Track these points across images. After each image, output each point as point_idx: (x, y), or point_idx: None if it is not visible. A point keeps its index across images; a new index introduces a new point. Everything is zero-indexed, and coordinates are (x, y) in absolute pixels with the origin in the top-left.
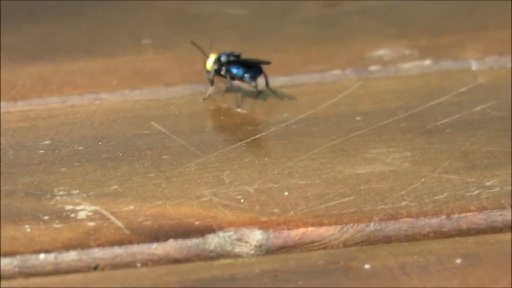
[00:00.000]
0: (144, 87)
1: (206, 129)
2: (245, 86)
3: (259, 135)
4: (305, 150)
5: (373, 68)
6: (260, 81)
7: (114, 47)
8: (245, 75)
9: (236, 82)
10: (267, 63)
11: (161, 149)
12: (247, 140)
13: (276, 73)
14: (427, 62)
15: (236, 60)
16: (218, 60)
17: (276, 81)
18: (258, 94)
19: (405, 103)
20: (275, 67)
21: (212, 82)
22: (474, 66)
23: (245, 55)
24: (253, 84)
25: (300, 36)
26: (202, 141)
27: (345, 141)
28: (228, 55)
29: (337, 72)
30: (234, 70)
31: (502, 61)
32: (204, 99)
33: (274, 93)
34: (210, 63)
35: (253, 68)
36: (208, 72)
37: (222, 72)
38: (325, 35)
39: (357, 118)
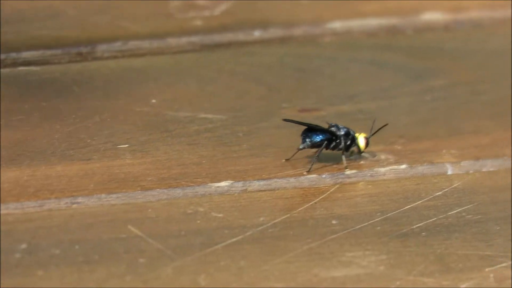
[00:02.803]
0: (121, 191)
1: (183, 233)
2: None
3: (235, 239)
4: (281, 253)
5: (349, 172)
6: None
7: (91, 152)
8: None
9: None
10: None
11: (137, 252)
12: (223, 244)
13: (252, 177)
14: (403, 166)
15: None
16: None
17: (253, 185)
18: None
19: (381, 206)
20: (251, 171)
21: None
22: (450, 170)
23: (222, 159)
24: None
25: (277, 141)
26: (178, 244)
27: (321, 245)
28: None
29: (313, 176)
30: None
31: (477, 165)
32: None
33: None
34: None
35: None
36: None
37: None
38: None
39: (333, 222)
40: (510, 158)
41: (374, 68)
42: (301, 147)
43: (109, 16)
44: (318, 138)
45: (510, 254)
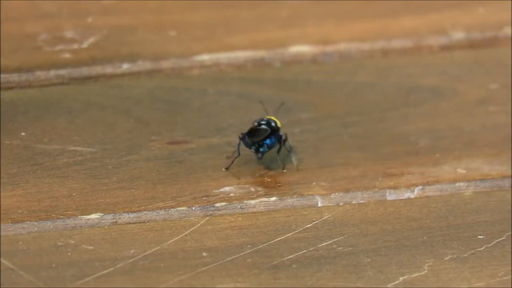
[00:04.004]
0: None
1: (54, 265)
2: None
3: (106, 271)
4: (152, 285)
5: (219, 204)
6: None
7: None
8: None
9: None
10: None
11: (9, 285)
12: (94, 276)
13: (122, 210)
14: (273, 198)
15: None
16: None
17: (123, 218)
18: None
19: (251, 239)
20: (121, 203)
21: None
22: (320, 202)
23: (92, 192)
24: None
25: (146, 174)
26: (50, 276)
27: (192, 277)
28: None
29: (183, 209)
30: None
31: (347, 197)
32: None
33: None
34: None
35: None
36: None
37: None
38: (170, 172)
39: (204, 254)
40: (379, 191)
41: (243, 101)
42: (259, 156)
43: None
44: (272, 141)
45: (380, 286)
